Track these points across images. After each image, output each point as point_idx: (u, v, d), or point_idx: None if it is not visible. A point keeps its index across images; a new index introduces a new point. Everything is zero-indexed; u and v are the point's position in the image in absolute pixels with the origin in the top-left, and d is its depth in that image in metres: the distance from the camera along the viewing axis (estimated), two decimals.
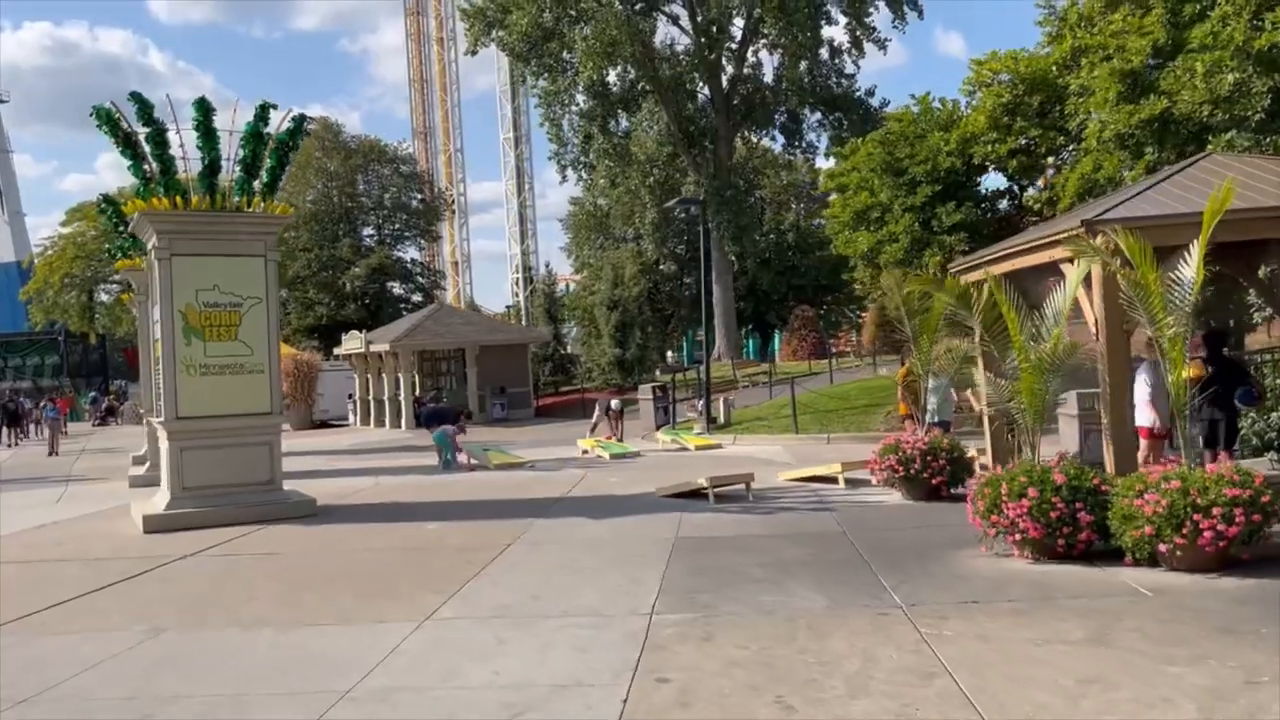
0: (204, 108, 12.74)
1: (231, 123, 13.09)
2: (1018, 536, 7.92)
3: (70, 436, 35.73)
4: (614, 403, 22.07)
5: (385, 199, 55.38)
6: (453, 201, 73.96)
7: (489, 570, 8.92)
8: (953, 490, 11.58)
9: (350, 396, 34.75)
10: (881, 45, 45.43)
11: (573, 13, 41.03)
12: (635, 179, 44.06)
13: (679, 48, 45.07)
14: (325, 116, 51.58)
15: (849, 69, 45.57)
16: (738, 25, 43.58)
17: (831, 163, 46.29)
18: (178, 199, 12.74)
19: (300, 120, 13.27)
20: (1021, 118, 17.92)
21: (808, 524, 10.58)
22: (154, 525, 12.01)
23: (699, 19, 42.90)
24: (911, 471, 11.40)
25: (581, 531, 10.84)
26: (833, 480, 13.37)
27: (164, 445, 12.94)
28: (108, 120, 12.72)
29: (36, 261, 58.02)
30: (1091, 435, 13.22)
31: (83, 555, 10.65)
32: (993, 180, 23.12)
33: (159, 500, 12.81)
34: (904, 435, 11.86)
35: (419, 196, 57.76)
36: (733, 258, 46.04)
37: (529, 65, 43.16)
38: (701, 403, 22.13)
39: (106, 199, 18.32)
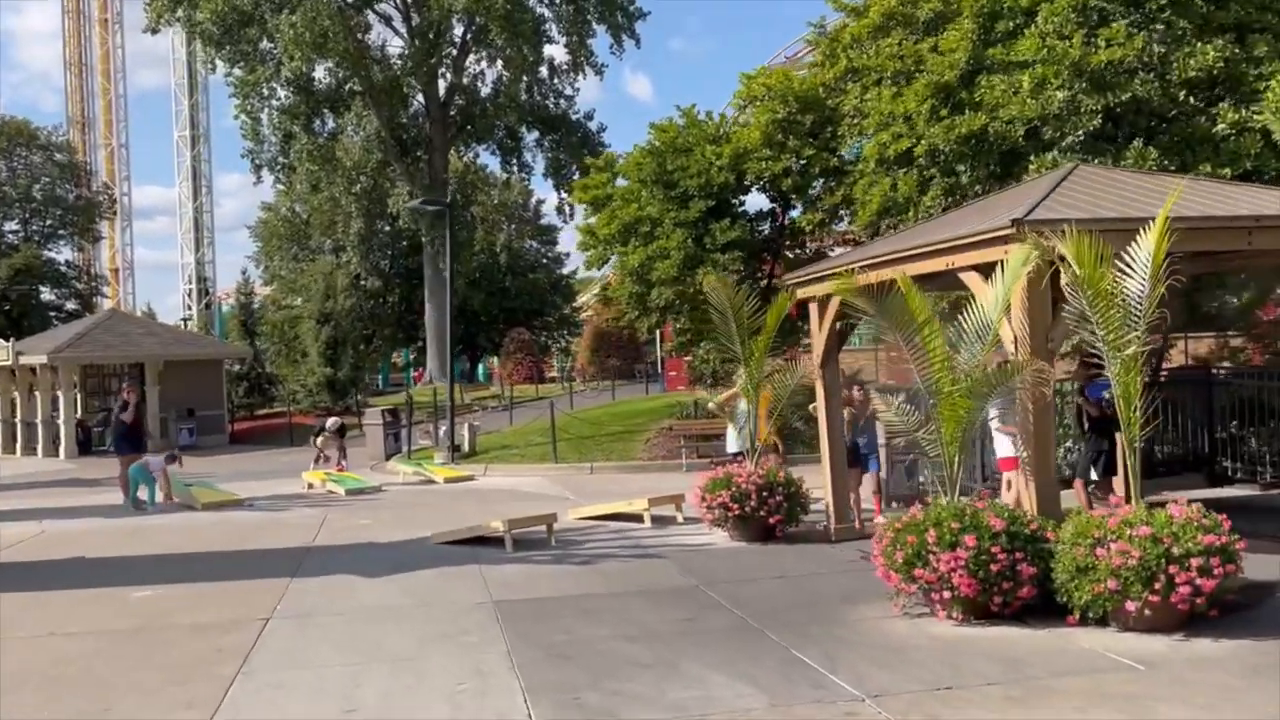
0: None
1: None
2: (946, 594, 6.56)
3: None
4: (330, 421, 19.26)
5: (35, 190, 47.69)
6: (115, 201, 65.53)
7: (253, 665, 6.40)
8: (788, 529, 10.21)
9: None
10: (599, 70, 44.94)
11: None
12: (340, 186, 40.50)
13: (392, 50, 42.19)
14: None
15: (568, 91, 44.63)
16: (457, 33, 41.33)
17: (550, 183, 45.66)
18: None
19: None
20: (794, 136, 17.30)
21: (646, 576, 8.80)
22: None
23: (414, 22, 40.32)
24: (746, 509, 9.92)
25: (362, 595, 8.41)
26: (636, 518, 11.69)
27: None
28: None
29: None
30: (898, 467, 12.50)
31: None
32: (754, 200, 22.67)
33: None
34: (734, 468, 10.36)
35: (76, 191, 50.31)
36: (447, 276, 43.48)
37: (221, 51, 38.46)
38: (444, 429, 19.73)
39: None
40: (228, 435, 28.04)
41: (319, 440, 19.33)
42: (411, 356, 60.54)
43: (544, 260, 58.38)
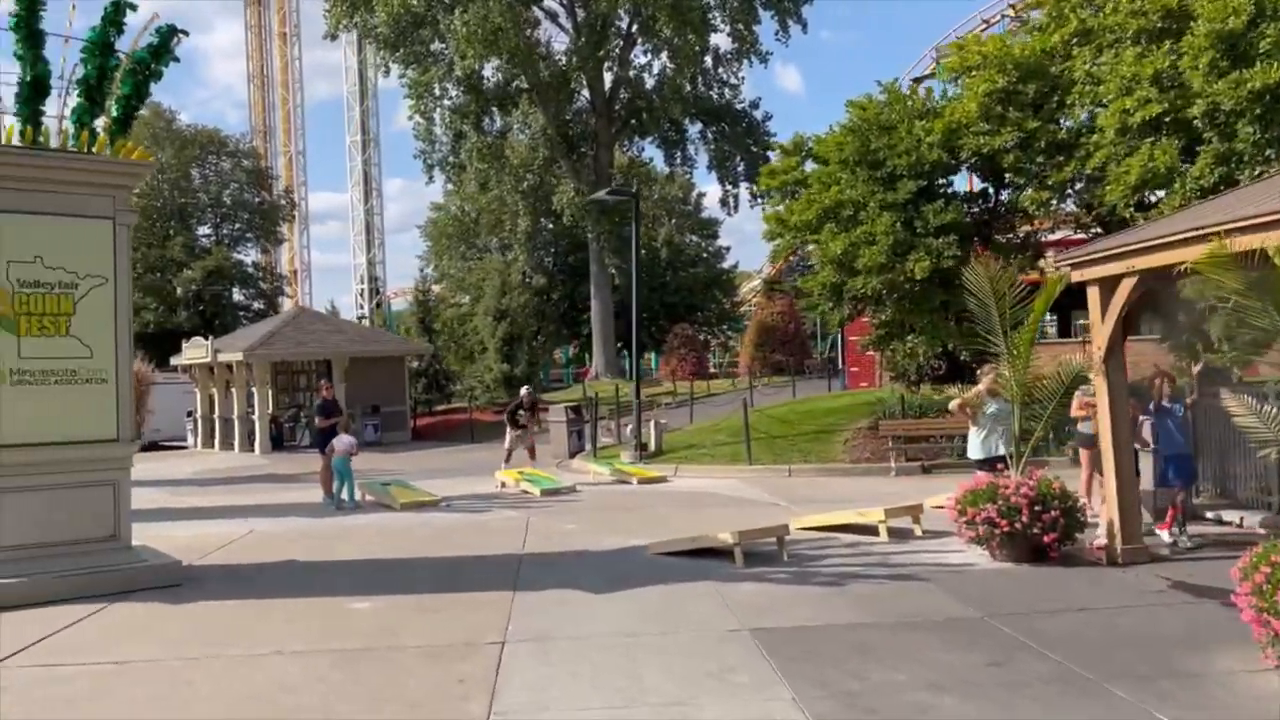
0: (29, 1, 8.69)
1: (68, 27, 9.11)
2: None
3: None
4: (524, 392, 18.53)
5: (224, 196, 49.78)
6: (295, 205, 68.20)
7: (504, 704, 5.60)
8: (1063, 549, 8.81)
9: (190, 414, 29.75)
10: (764, 58, 43.48)
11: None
12: (508, 184, 40.43)
13: (558, 46, 41.89)
14: (157, 102, 45.71)
15: (731, 80, 43.35)
16: (622, 26, 40.67)
17: (713, 175, 44.50)
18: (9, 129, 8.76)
19: (168, 32, 9.41)
20: (1014, 108, 15.65)
21: (913, 604, 7.60)
22: None
23: (580, 16, 39.86)
24: (1016, 526, 8.57)
25: (595, 616, 7.52)
26: (868, 531, 10.47)
27: None
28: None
29: None
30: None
31: None
32: (959, 181, 21.02)
33: None
34: (1000, 478, 9.02)
35: (261, 196, 52.34)
36: (613, 271, 43.08)
37: (395, 54, 38.95)
38: (629, 427, 18.91)
39: None
40: (410, 431, 28.15)
41: (515, 428, 18.14)
42: (571, 353, 60.60)
43: (704, 255, 57.35)
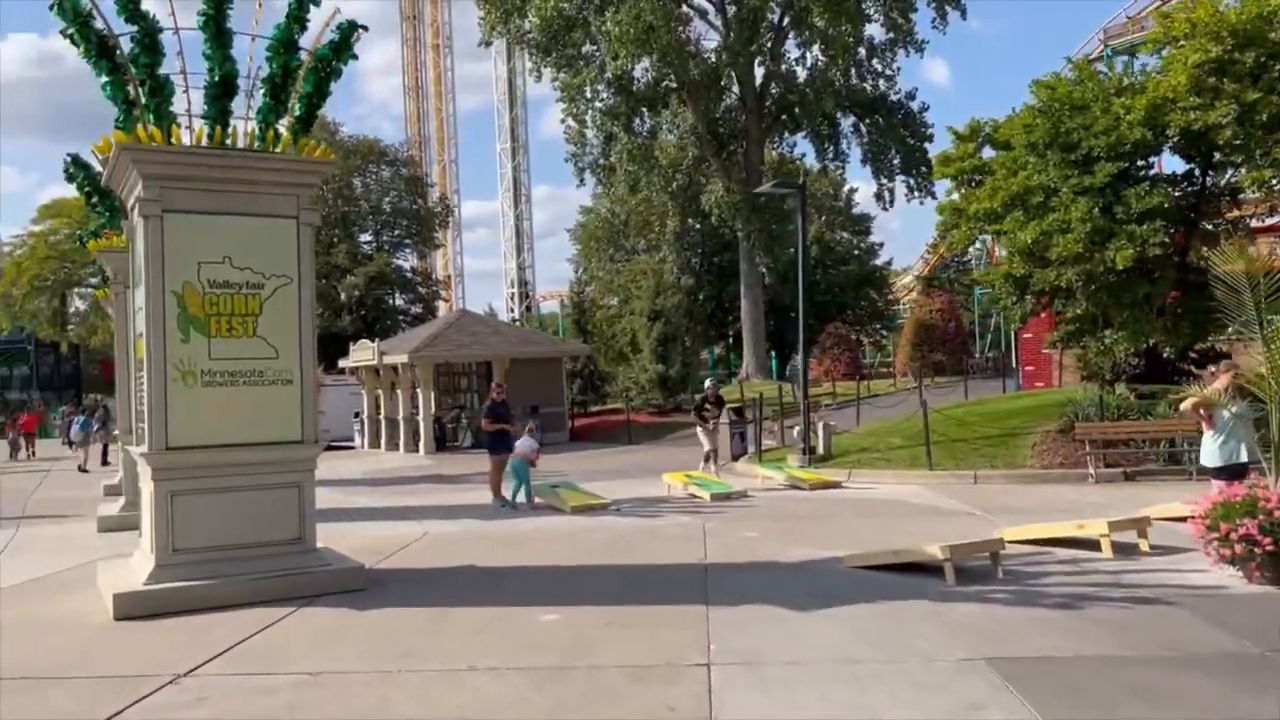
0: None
1: (254, 27, 9.04)
2: None
3: (38, 458, 31.18)
4: (708, 385, 17.76)
5: (384, 204, 51.27)
6: (451, 211, 69.90)
7: None
8: None
9: (357, 415, 30.51)
10: (920, 48, 41.79)
11: (597, 1, 37.17)
12: (657, 184, 40.05)
13: (707, 44, 41.28)
14: (321, 114, 47.30)
15: (886, 71, 41.78)
16: (773, 19, 39.76)
17: (867, 170, 43.06)
18: (173, 130, 8.65)
19: (349, 28, 9.24)
20: (1230, 79, 14.13)
21: (1170, 633, 6.67)
22: (129, 608, 7.99)
23: (730, 12, 39.15)
24: None
25: (805, 637, 6.86)
26: (1088, 545, 9.43)
27: (147, 488, 8.75)
28: (74, 15, 8.49)
29: (4, 263, 52.92)
30: None
31: (12, 672, 6.54)
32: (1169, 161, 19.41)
33: (138, 567, 8.71)
34: (1258, 489, 7.90)
35: (418, 203, 53.69)
36: (763, 270, 42.19)
37: (548, 58, 39.14)
38: (796, 429, 18.10)
39: (76, 160, 14.16)
40: (568, 432, 28.04)
41: (704, 423, 17.15)
42: (716, 354, 59.93)
43: (855, 252, 55.79)
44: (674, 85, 39.87)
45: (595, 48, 38.35)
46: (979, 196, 16.39)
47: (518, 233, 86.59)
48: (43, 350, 55.49)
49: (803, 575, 8.95)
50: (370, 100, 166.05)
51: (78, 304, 54.47)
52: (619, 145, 39.67)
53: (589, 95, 39.48)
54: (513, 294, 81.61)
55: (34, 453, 32.16)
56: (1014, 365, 34.41)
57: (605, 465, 21.13)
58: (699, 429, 17.08)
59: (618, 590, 8.56)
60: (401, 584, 9.10)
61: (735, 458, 19.71)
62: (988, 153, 18.00)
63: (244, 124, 9.03)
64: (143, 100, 8.64)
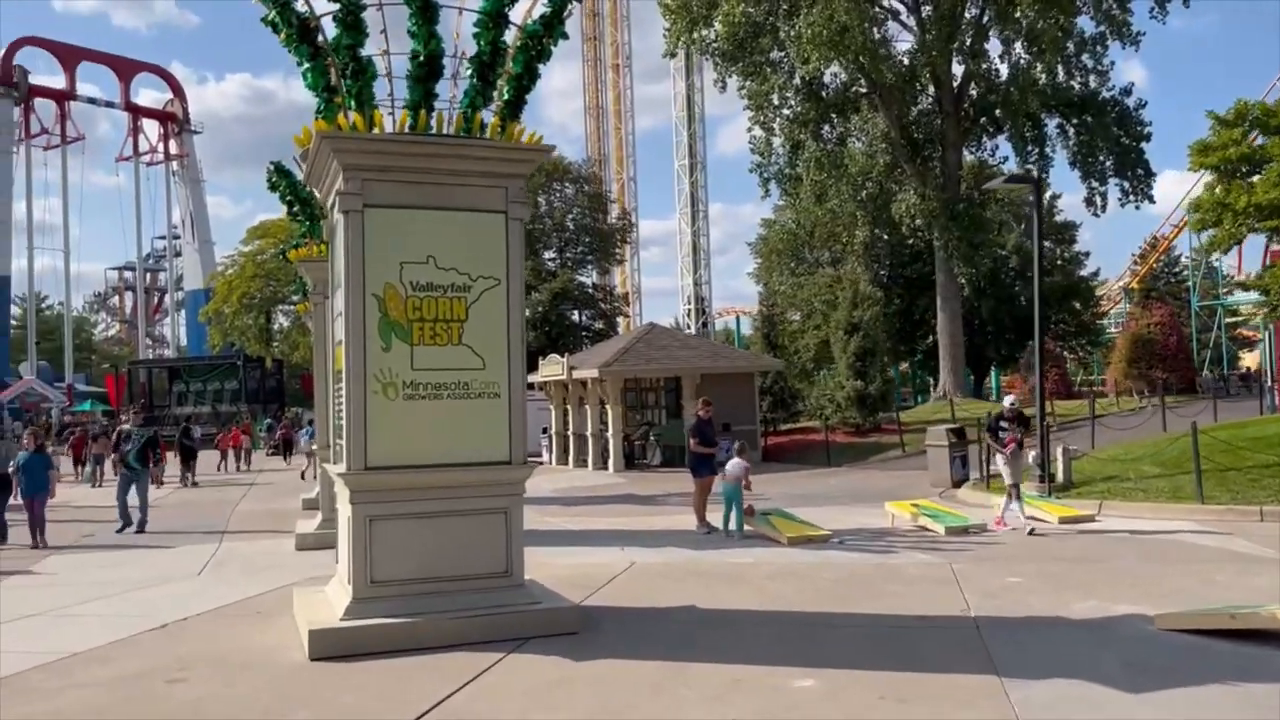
0: None
1: None
2: None
3: (248, 470, 32.00)
4: (1007, 402, 14.48)
5: (568, 221, 51.33)
6: (632, 228, 69.78)
7: None
8: None
9: (544, 431, 30.03)
10: (1135, 40, 38.32)
11: (785, 5, 35.75)
12: (846, 193, 38.12)
13: (900, 46, 39.06)
14: None
15: (1096, 66, 38.42)
16: (971, 14, 37.28)
17: (1076, 173, 39.73)
18: (375, 116, 7.85)
19: (561, 1, 8.14)
20: None
21: None
22: (325, 647, 7.15)
23: (924, 11, 36.94)
24: None
25: None
26: None
27: (344, 510, 7.94)
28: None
29: (216, 282, 55.90)
30: None
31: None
32: None
33: (335, 599, 7.90)
34: None
35: (600, 220, 53.53)
36: (962, 280, 39.52)
37: (734, 66, 38.00)
38: (1033, 452, 16.00)
39: (278, 168, 13.85)
40: (761, 452, 26.56)
41: (1003, 448, 13.52)
42: (901, 370, 57.01)
43: (1059, 262, 51.86)
44: (864, 90, 38.00)
45: (783, 53, 36.99)
46: (1260, 187, 13.95)
47: (695, 249, 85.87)
48: (250, 365, 58.26)
49: (1105, 639, 7.22)
50: (550, 123, 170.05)
51: (281, 320, 56.91)
52: (806, 153, 38.12)
53: (776, 102, 38.15)
54: (689, 310, 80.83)
55: (247, 464, 33.08)
56: (1270, 383, 30.61)
57: (809, 489, 19.57)
58: (997, 456, 13.73)
59: (876, 649, 7.09)
60: (617, 626, 7.93)
61: (956, 484, 17.80)
62: (1262, 139, 15.44)
63: (448, 110, 8.18)
64: (344, 85, 7.85)
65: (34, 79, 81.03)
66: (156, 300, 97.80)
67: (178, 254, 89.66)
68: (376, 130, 7.76)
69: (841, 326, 29.55)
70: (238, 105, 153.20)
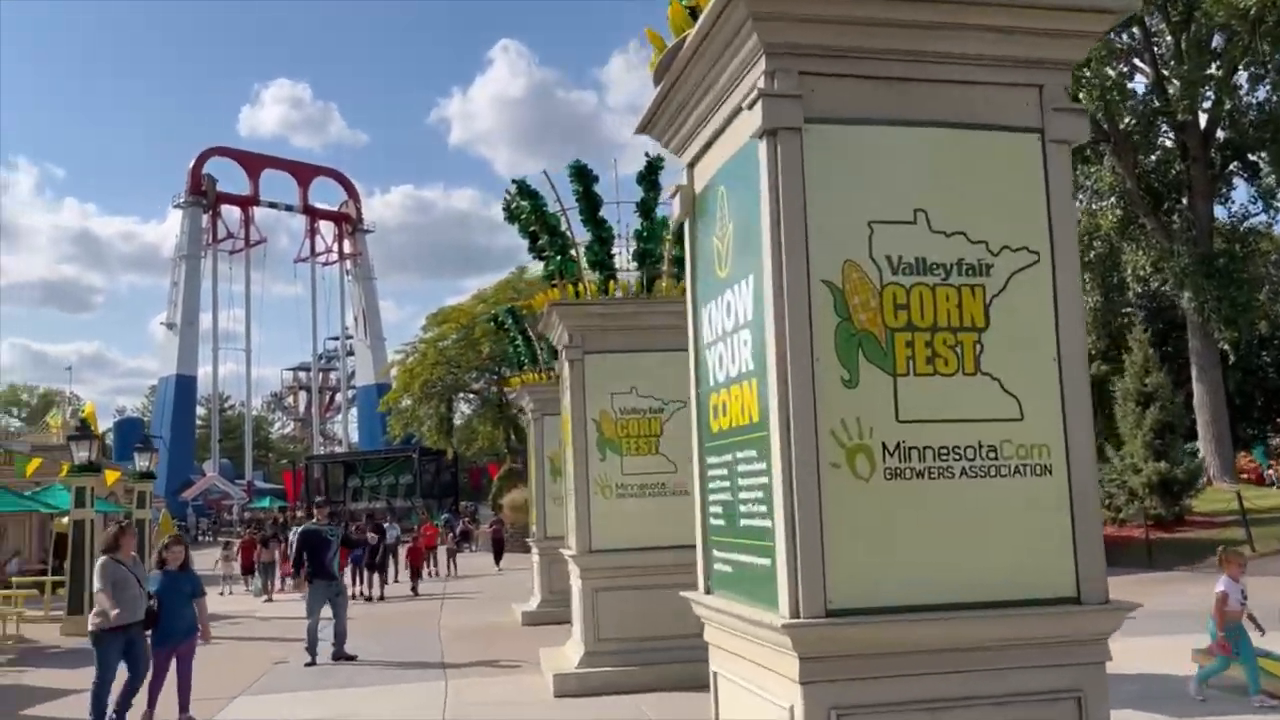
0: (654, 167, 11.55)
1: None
2: None
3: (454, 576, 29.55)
4: None
5: None
6: None
7: None
8: None
9: None
10: None
11: None
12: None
13: (1134, 86, 34.60)
14: None
15: None
16: (1216, 47, 32.70)
17: None
18: (592, 286, 11.36)
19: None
20: None
21: None
22: (565, 688, 10.13)
23: (1157, 50, 32.68)
24: None
25: None
26: None
27: (575, 584, 11.39)
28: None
29: (396, 370, 55.08)
30: None
31: None
32: None
33: (570, 653, 11.13)
34: None
35: None
36: (1225, 346, 33.77)
37: None
38: None
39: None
40: None
41: None
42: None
43: None
44: (1092, 139, 33.57)
45: None
46: None
47: None
48: (425, 458, 57.06)
49: None
50: None
51: (463, 409, 55.38)
52: None
53: None
54: None
55: (455, 568, 30.51)
56: None
57: (1177, 603, 14.69)
58: None
59: None
60: None
61: None
62: None
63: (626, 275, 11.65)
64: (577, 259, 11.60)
65: (220, 188, 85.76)
66: (328, 398, 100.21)
67: (350, 353, 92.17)
68: (592, 296, 11.19)
69: (1131, 397, 24.65)
70: (400, 214, 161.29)
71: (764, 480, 4.13)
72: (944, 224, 4.25)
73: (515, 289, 47.38)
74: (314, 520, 14.93)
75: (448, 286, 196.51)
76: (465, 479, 62.72)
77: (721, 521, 4.73)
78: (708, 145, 4.97)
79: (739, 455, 4.46)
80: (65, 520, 20.23)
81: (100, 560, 9.20)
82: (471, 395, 53.78)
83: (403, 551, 26.84)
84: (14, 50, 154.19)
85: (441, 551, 29.80)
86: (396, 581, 25.34)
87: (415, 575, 24.77)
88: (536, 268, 19.95)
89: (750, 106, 4.22)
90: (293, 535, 17.09)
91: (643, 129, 5.52)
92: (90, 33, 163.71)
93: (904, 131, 4.29)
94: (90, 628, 9.09)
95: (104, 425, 54.99)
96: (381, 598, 21.94)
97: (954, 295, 4.18)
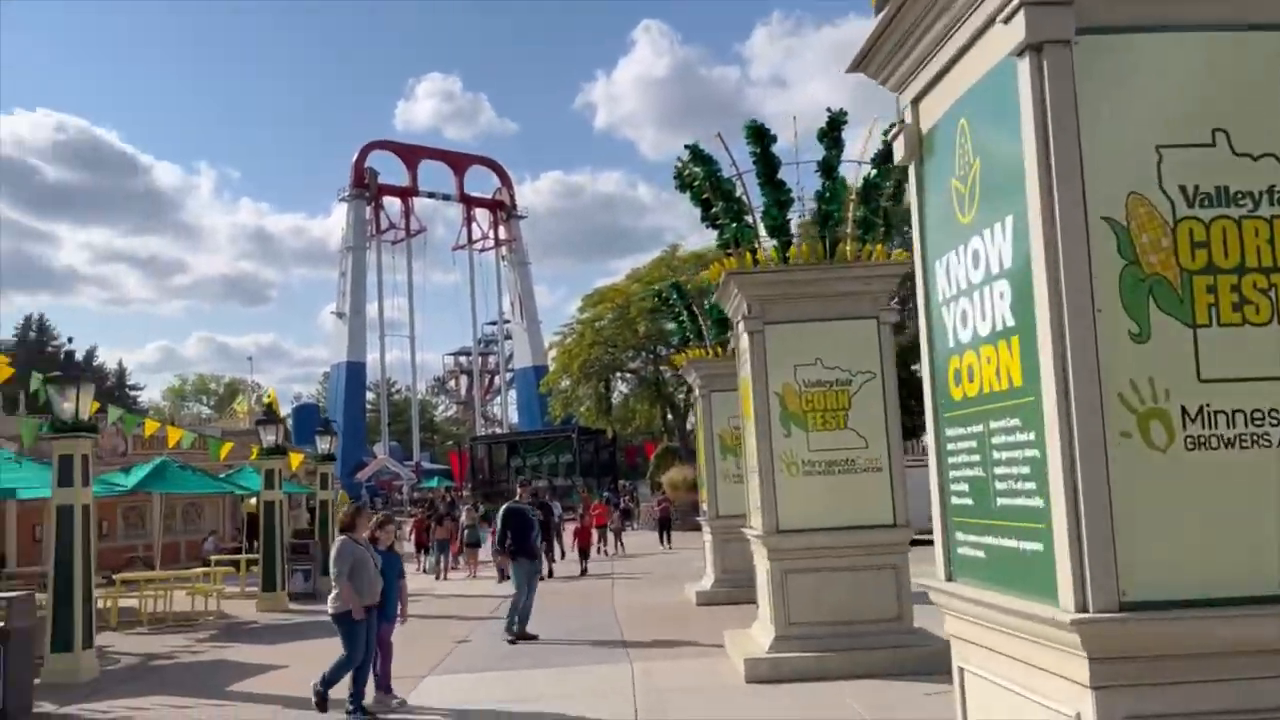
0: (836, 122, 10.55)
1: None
2: None
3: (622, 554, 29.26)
4: None
5: None
6: None
7: None
8: None
9: None
10: None
11: None
12: None
13: None
14: None
15: None
16: None
17: None
18: (772, 253, 10.56)
19: (882, 151, 10.24)
20: None
21: None
22: (756, 673, 9.59)
23: None
24: None
25: None
26: None
27: (762, 566, 10.71)
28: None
29: (556, 351, 55.95)
30: None
31: None
32: None
33: (759, 637, 10.49)
34: None
35: None
36: None
37: None
38: None
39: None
40: None
41: None
42: None
43: None
44: None
45: None
46: None
47: None
48: (584, 438, 57.76)
49: None
50: None
51: (620, 388, 55.60)
52: None
53: None
54: None
55: (621, 546, 29.94)
56: None
57: None
58: None
59: None
60: None
61: None
62: None
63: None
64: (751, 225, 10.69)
65: (380, 181, 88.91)
66: (488, 381, 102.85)
67: (508, 337, 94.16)
68: (774, 262, 10.32)
69: None
70: (550, 200, 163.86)
71: (1032, 454, 3.52)
72: (1249, 145, 3.53)
73: (670, 266, 47.36)
74: (517, 498, 14.61)
75: (597, 269, 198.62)
76: (622, 458, 62.67)
77: (968, 501, 4.16)
78: (940, 75, 4.34)
79: (994, 425, 3.83)
80: (254, 501, 21.05)
81: (339, 541, 9.26)
82: (629, 374, 53.23)
83: (567, 530, 26.72)
84: (194, 62, 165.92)
85: (607, 530, 29.66)
86: (563, 559, 25.08)
87: (584, 555, 24.22)
88: (689, 245, 19.54)
89: (1007, 20, 3.64)
90: (498, 514, 15.43)
91: (856, 66, 4.94)
92: (257, 40, 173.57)
93: (1195, 38, 3.58)
94: (332, 610, 8.98)
95: (283, 411, 58.05)
96: (550, 575, 21.34)
97: (1265, 229, 3.45)
